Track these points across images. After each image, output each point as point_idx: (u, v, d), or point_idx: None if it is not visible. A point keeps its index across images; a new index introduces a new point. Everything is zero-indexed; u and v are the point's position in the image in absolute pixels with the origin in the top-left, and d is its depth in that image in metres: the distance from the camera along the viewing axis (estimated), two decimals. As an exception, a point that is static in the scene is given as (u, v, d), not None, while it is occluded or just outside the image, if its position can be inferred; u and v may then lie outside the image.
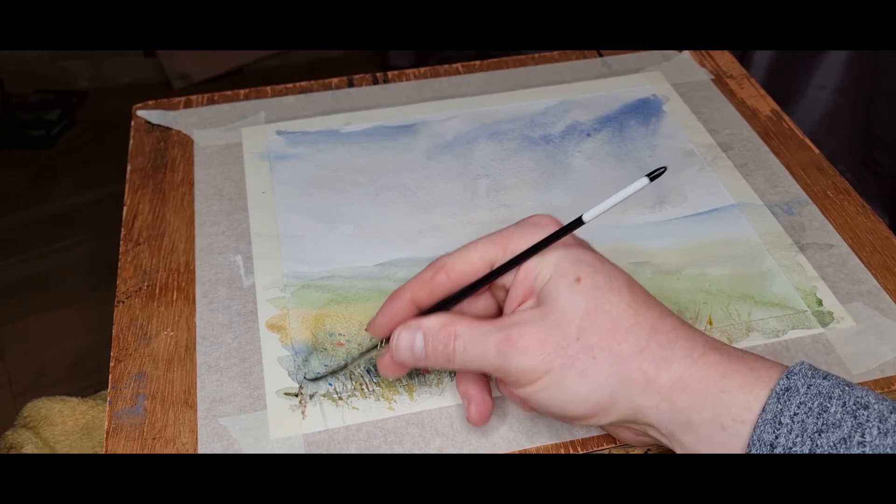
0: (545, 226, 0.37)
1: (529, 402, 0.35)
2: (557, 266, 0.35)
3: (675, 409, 0.33)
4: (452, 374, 0.42)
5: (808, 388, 0.31)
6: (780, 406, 0.31)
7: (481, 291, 0.38)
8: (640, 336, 0.34)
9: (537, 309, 0.35)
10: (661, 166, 0.36)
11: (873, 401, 0.31)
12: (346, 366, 0.42)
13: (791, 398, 0.31)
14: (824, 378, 0.32)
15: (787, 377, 0.31)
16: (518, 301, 0.36)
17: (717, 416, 0.32)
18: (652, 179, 0.36)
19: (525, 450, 0.39)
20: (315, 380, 0.42)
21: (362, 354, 0.42)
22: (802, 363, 0.32)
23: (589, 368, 0.33)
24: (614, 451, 0.39)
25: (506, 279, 0.37)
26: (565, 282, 0.34)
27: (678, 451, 0.34)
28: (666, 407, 0.33)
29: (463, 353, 0.35)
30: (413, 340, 0.37)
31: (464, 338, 0.35)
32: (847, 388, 0.31)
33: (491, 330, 0.35)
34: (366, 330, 0.41)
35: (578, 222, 0.36)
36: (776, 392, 0.31)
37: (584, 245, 0.37)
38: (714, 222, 0.50)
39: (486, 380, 0.39)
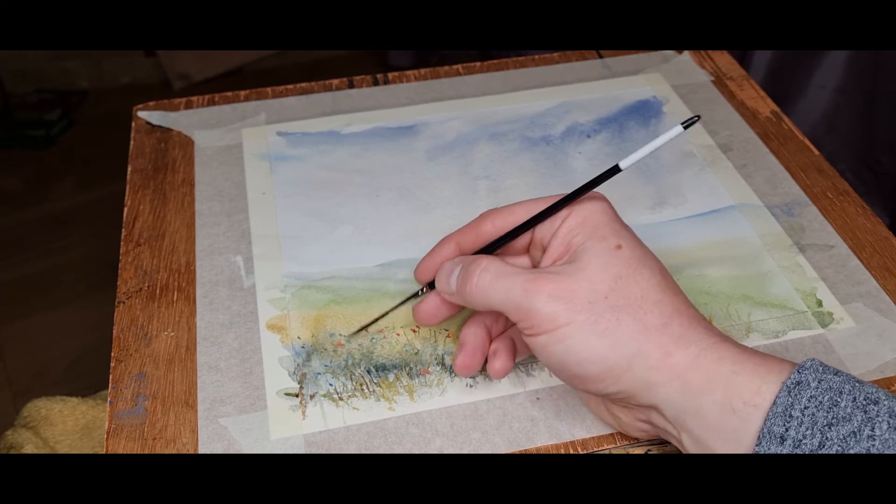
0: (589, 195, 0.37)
1: (542, 355, 0.35)
2: (599, 230, 0.36)
3: (687, 389, 0.32)
4: (452, 374, 0.42)
5: (818, 382, 0.31)
6: (790, 399, 0.31)
7: (520, 249, 0.39)
8: (665, 312, 0.34)
9: (571, 264, 0.35)
10: (695, 115, 0.37)
11: (883, 397, 0.31)
12: (386, 314, 0.43)
13: (802, 392, 0.31)
14: (835, 374, 0.32)
15: (798, 372, 0.31)
16: (553, 259, 0.37)
17: (728, 398, 0.32)
18: (686, 128, 0.36)
19: (525, 450, 0.39)
20: (356, 332, 0.43)
21: (404, 301, 0.42)
22: (813, 360, 0.32)
23: (611, 328, 0.33)
24: (614, 451, 0.39)
25: (544, 235, 0.37)
26: (604, 246, 0.35)
27: (683, 441, 0.34)
28: (677, 386, 0.33)
29: (488, 285, 0.35)
30: (452, 271, 0.38)
31: (491, 270, 0.36)
32: (857, 384, 0.31)
33: (520, 272, 0.35)
34: (414, 274, 0.42)
35: (615, 169, 0.37)
36: (787, 385, 0.31)
37: (617, 214, 0.38)
38: (714, 223, 0.50)
39: (488, 334, 0.39)
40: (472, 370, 0.39)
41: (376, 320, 0.43)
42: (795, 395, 0.31)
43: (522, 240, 0.39)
